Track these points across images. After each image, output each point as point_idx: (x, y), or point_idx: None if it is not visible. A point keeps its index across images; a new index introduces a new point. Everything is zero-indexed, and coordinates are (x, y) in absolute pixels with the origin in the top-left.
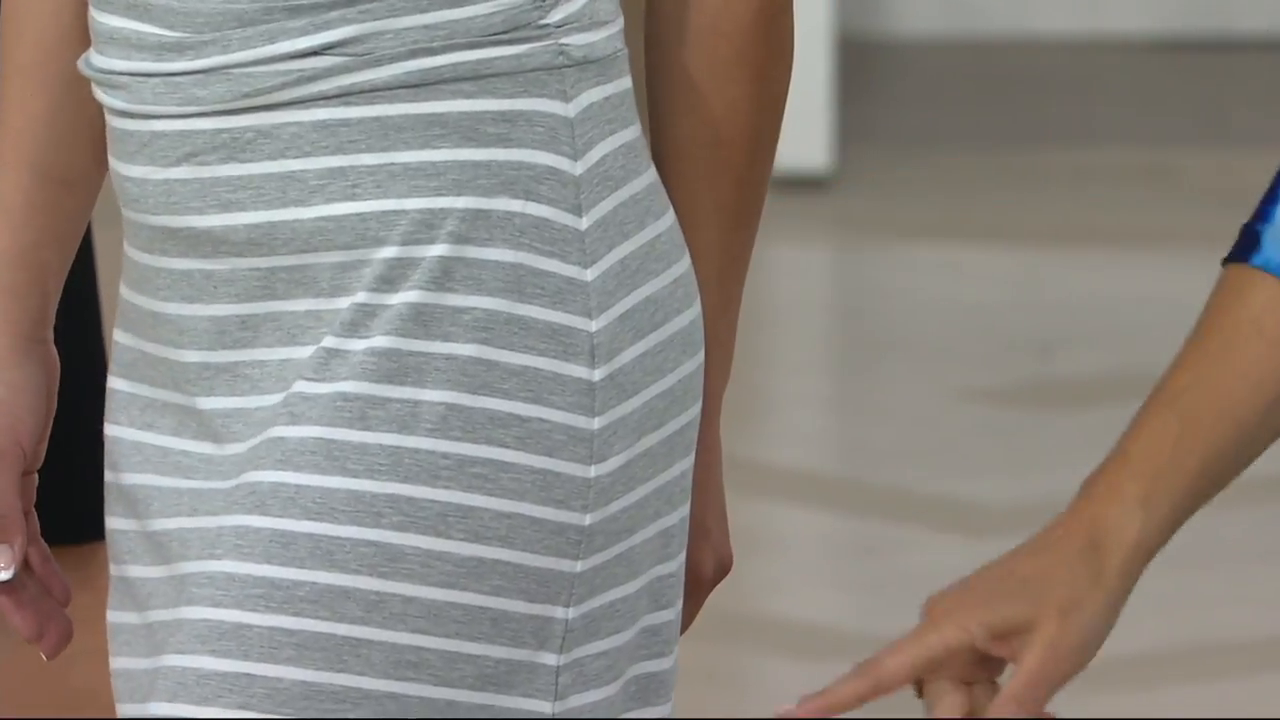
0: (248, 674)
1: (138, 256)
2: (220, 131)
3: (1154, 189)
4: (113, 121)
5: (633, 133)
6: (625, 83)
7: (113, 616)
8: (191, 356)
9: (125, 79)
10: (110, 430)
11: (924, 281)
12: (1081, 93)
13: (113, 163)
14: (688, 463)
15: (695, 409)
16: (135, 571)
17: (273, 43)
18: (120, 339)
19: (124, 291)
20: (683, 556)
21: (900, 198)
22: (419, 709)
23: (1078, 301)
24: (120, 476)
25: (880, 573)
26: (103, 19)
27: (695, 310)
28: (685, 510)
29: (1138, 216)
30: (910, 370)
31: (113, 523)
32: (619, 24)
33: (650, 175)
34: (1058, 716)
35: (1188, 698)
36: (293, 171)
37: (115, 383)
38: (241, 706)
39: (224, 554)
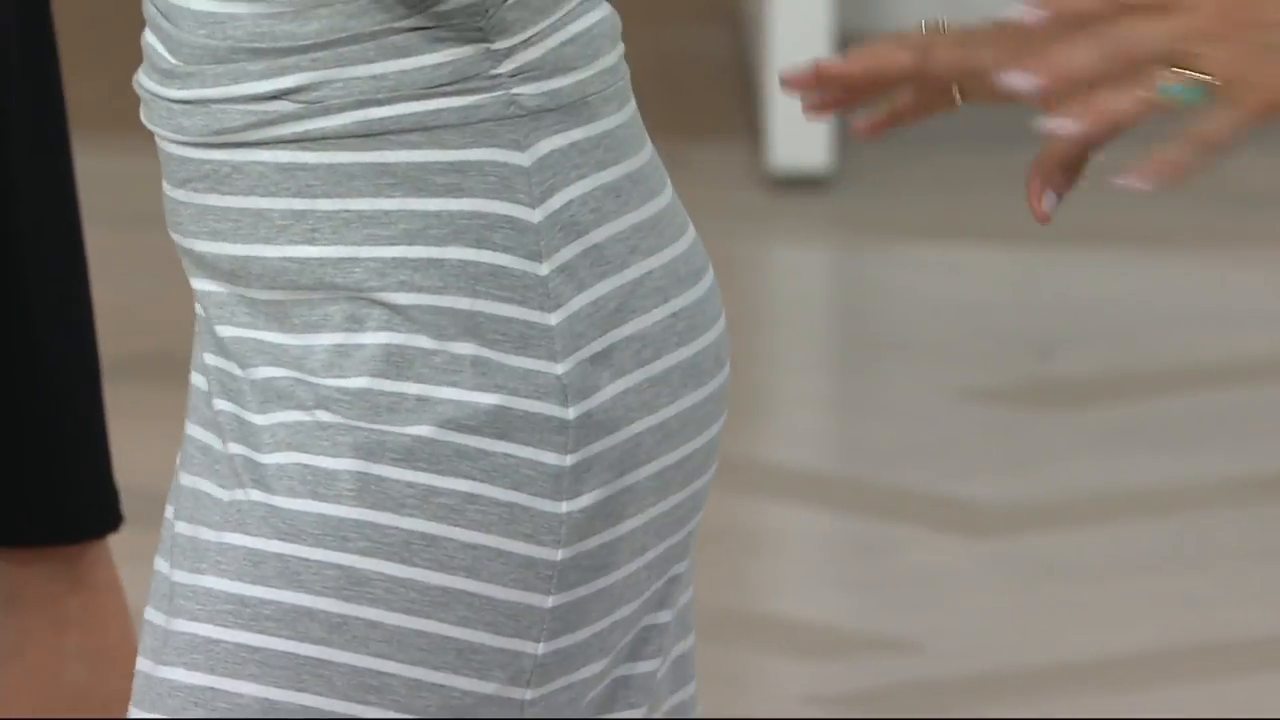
0: (212, 688)
1: None
2: (205, 162)
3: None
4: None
5: (614, 174)
6: (602, 125)
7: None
8: (210, 360)
9: (146, 95)
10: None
11: (924, 281)
12: None
13: None
14: (692, 489)
15: (702, 438)
16: (157, 563)
17: (237, 83)
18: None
19: None
20: (681, 567)
21: (900, 197)
22: None
23: (1078, 301)
24: (179, 472)
25: (880, 572)
26: (145, 33)
27: (704, 341)
28: (678, 535)
29: (1138, 216)
30: (910, 370)
31: (167, 510)
32: (598, 66)
33: (643, 212)
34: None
35: (1187, 698)
36: (262, 209)
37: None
38: None
39: (207, 569)
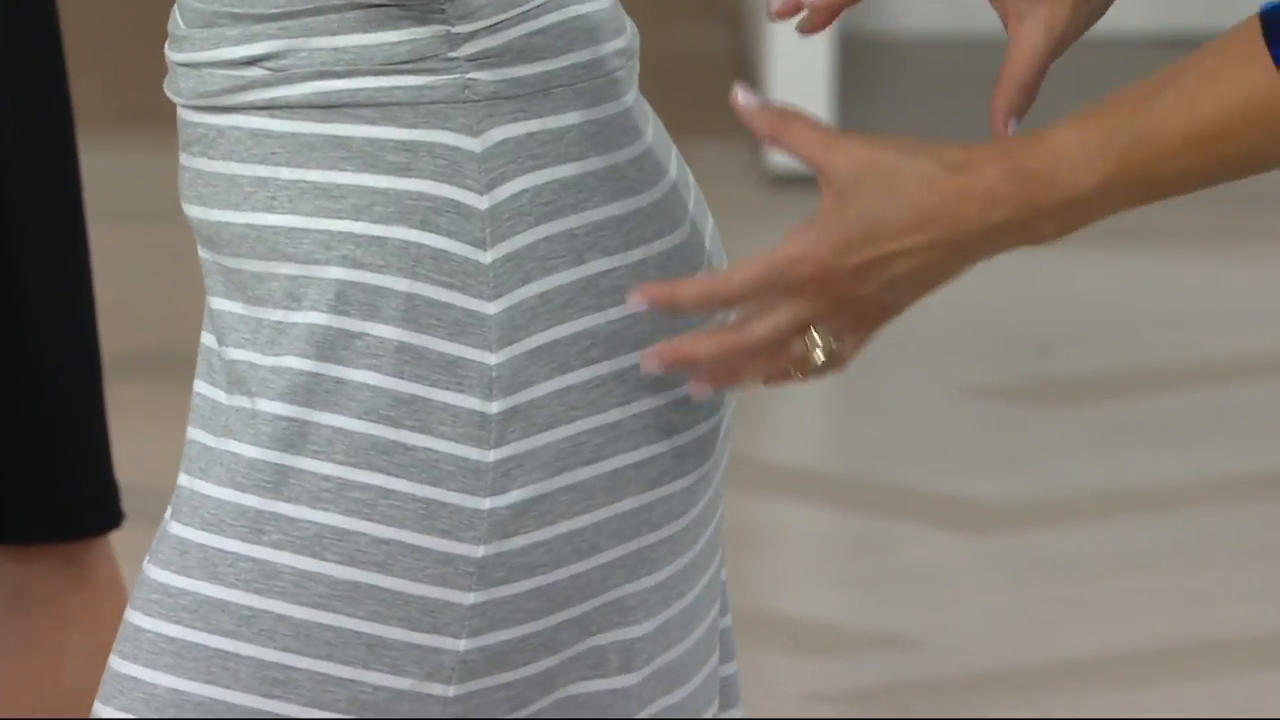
0: (134, 677)
1: None
2: (197, 125)
3: None
4: None
5: (574, 169)
6: (567, 119)
7: None
8: (204, 338)
9: (168, 61)
10: None
11: None
12: (1082, 91)
13: None
14: (659, 493)
15: (669, 441)
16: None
17: (218, 48)
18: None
19: None
20: (659, 576)
21: None
22: None
23: (1078, 300)
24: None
25: (880, 569)
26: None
27: None
28: (649, 539)
29: (1137, 215)
30: (910, 368)
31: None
32: (571, 59)
33: (607, 211)
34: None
35: (1187, 695)
36: (234, 175)
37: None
38: (124, 710)
39: (150, 558)
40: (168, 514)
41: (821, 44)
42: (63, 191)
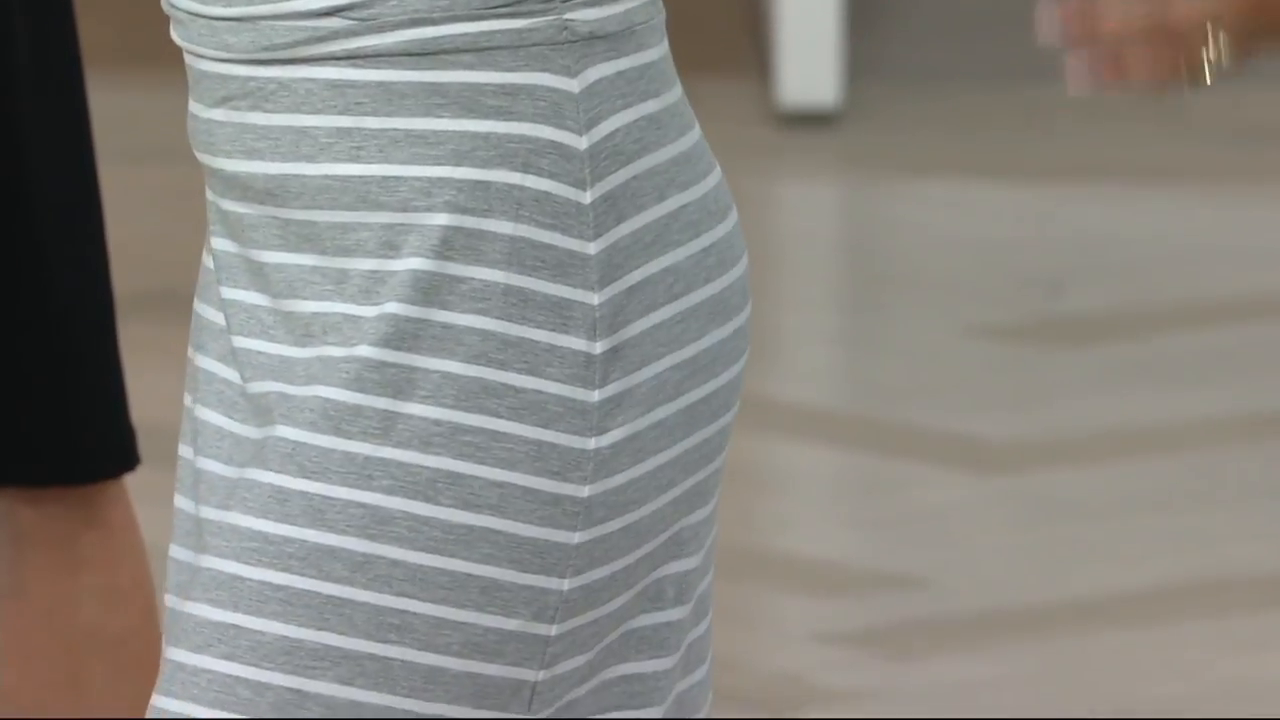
0: (235, 625)
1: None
2: (249, 79)
3: (1162, 125)
4: (184, 54)
5: (656, 105)
6: (647, 55)
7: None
8: (226, 292)
9: (182, 15)
10: (189, 352)
11: (932, 217)
12: None
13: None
14: (716, 426)
15: (726, 375)
16: (178, 501)
17: (286, 0)
18: (203, 258)
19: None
20: (708, 509)
21: (909, 133)
22: (401, 672)
23: (1087, 238)
24: (194, 404)
25: (888, 508)
26: None
27: (731, 276)
28: (705, 472)
29: (1147, 152)
30: (918, 306)
31: (181, 449)
32: None
33: (679, 146)
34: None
35: (1197, 632)
36: (305, 127)
37: (195, 304)
38: (226, 657)
39: (234, 505)
40: (235, 462)
41: None
42: (73, 132)
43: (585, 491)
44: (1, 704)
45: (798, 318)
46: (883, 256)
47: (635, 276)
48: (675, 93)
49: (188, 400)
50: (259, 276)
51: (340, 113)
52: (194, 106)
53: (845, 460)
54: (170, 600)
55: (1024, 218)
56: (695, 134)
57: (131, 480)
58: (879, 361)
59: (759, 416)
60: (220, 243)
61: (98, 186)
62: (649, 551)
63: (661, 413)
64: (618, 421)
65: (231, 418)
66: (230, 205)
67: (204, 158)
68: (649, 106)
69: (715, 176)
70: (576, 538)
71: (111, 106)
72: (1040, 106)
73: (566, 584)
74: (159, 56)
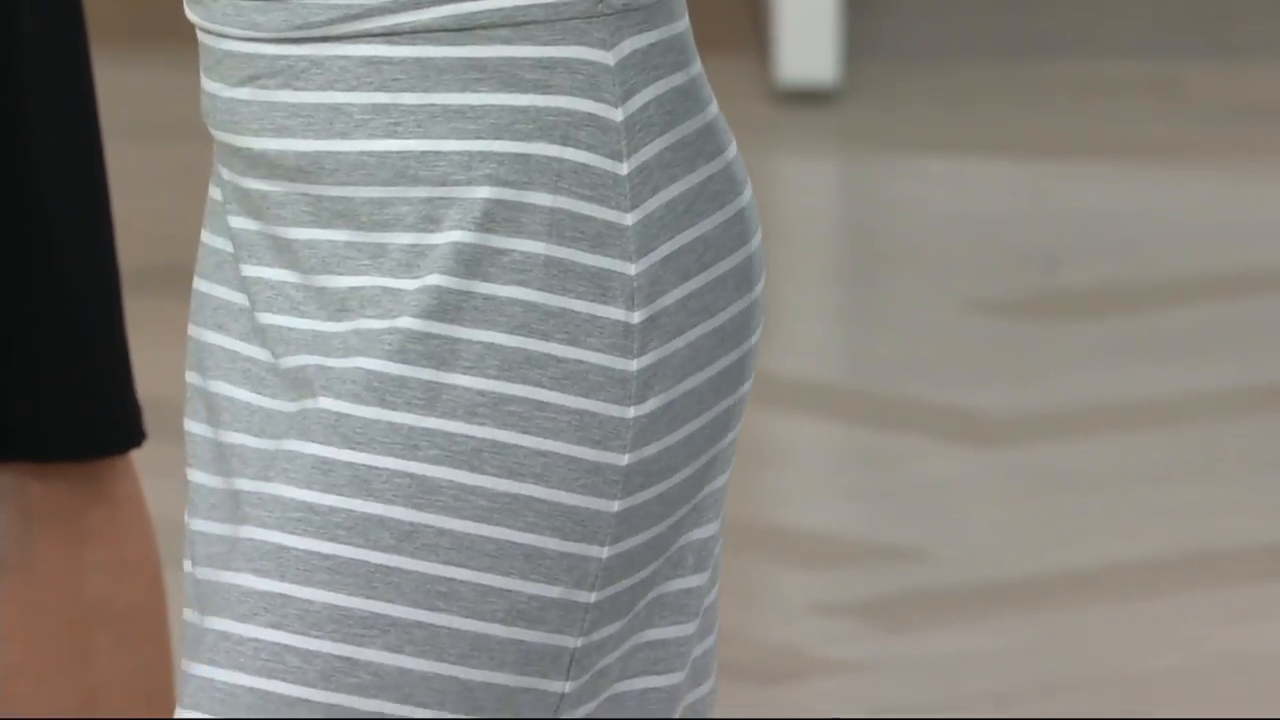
0: (283, 594)
1: (215, 162)
2: (279, 58)
3: (1160, 101)
4: (198, 33)
5: (683, 77)
6: (676, 28)
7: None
8: (248, 270)
9: None
10: (191, 330)
11: (930, 194)
12: (1087, 5)
13: (201, 73)
14: (738, 394)
15: (748, 343)
16: (197, 477)
17: None
18: (204, 239)
19: (211, 191)
20: (726, 476)
21: (906, 110)
22: (448, 639)
23: (1083, 213)
24: (205, 381)
25: (886, 482)
26: None
27: (751, 246)
28: (726, 439)
29: (1143, 128)
30: (916, 281)
31: (191, 425)
32: None
33: (704, 117)
34: None
35: (1194, 604)
36: (339, 104)
37: (197, 283)
38: (273, 625)
39: (274, 476)
40: (269, 435)
41: None
42: (79, 108)
43: (624, 460)
44: (10, 675)
45: (797, 293)
46: (881, 232)
47: (669, 246)
48: (698, 65)
49: (195, 378)
50: (286, 253)
51: (376, 89)
52: (212, 86)
53: (844, 434)
54: (202, 572)
55: (1021, 194)
56: (715, 106)
57: (136, 454)
58: (878, 336)
59: (759, 390)
60: (240, 221)
61: (103, 163)
62: (679, 519)
63: (693, 381)
64: (655, 390)
65: (260, 393)
66: (254, 183)
67: (225, 137)
68: (677, 78)
69: (734, 148)
70: (616, 506)
71: (114, 83)
72: (1038, 83)
73: (605, 551)
74: (162, 32)
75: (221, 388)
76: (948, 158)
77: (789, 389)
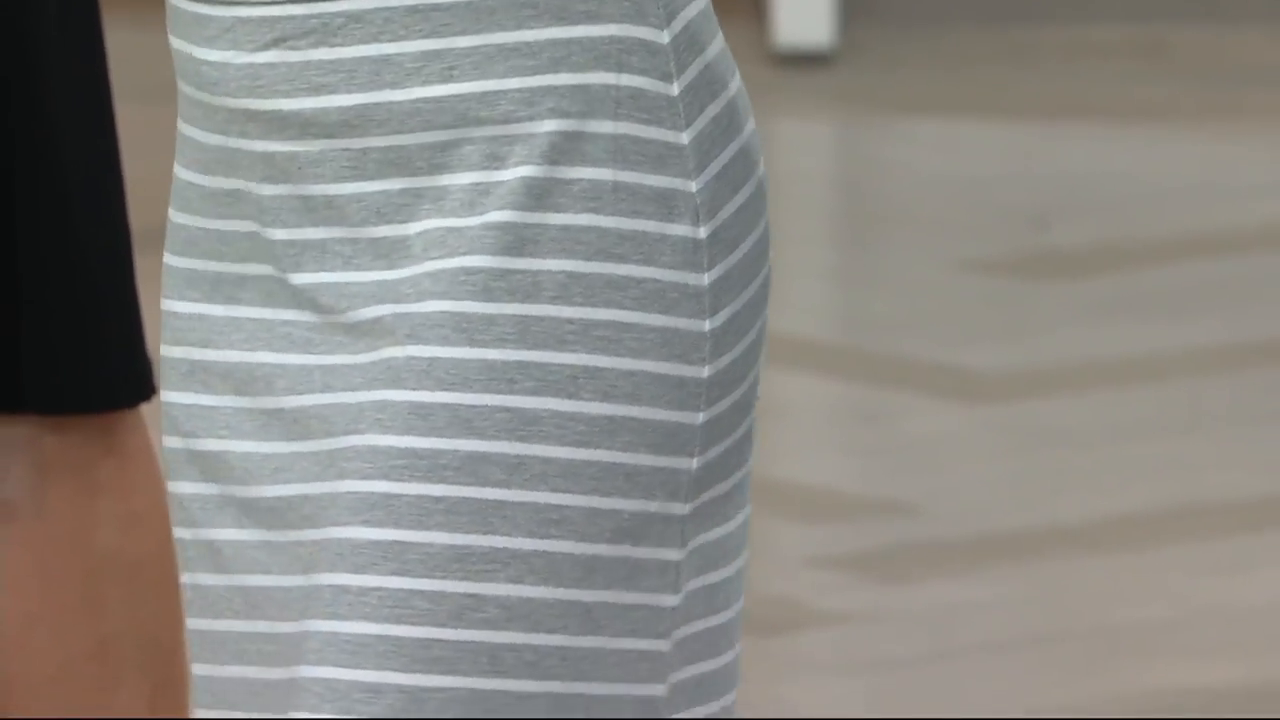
0: (400, 541)
1: (206, 138)
2: (310, 17)
3: (1148, 64)
4: (183, 5)
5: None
6: None
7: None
8: (278, 234)
9: None
10: (167, 305)
11: (923, 155)
12: None
13: (182, 46)
14: (767, 309)
15: (770, 255)
16: (242, 447)
17: None
18: (178, 219)
19: (182, 173)
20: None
21: (901, 73)
22: (564, 564)
23: (1073, 174)
24: (223, 354)
25: (880, 438)
26: None
27: (763, 163)
28: (764, 352)
29: (1132, 91)
30: (910, 241)
31: (179, 397)
32: None
33: (721, 38)
34: None
35: (1179, 556)
36: (387, 55)
37: (183, 262)
38: (396, 573)
39: (366, 428)
40: (348, 388)
41: None
42: (90, 68)
43: (705, 372)
44: (23, 624)
45: (793, 253)
46: (875, 193)
47: (721, 160)
48: None
49: (210, 354)
50: (328, 210)
51: (426, 36)
52: (223, 55)
53: (839, 391)
54: (286, 535)
55: (1013, 155)
56: (721, 31)
57: (145, 408)
58: (872, 295)
59: None
60: (263, 188)
61: (114, 122)
62: (749, 427)
63: (748, 292)
64: (724, 303)
65: (311, 353)
66: (279, 146)
67: (245, 102)
68: (702, 1)
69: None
70: (700, 417)
71: (124, 45)
72: (1029, 46)
73: (694, 462)
74: None
75: (261, 356)
76: (941, 120)
77: (785, 346)
